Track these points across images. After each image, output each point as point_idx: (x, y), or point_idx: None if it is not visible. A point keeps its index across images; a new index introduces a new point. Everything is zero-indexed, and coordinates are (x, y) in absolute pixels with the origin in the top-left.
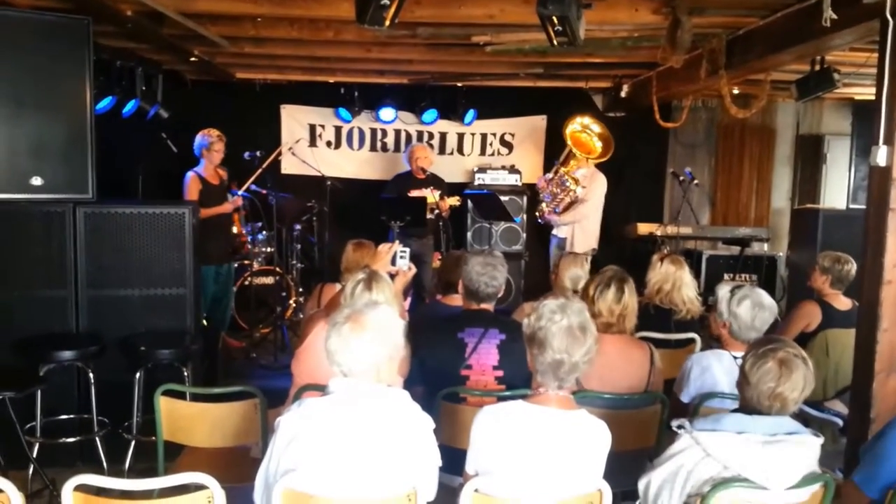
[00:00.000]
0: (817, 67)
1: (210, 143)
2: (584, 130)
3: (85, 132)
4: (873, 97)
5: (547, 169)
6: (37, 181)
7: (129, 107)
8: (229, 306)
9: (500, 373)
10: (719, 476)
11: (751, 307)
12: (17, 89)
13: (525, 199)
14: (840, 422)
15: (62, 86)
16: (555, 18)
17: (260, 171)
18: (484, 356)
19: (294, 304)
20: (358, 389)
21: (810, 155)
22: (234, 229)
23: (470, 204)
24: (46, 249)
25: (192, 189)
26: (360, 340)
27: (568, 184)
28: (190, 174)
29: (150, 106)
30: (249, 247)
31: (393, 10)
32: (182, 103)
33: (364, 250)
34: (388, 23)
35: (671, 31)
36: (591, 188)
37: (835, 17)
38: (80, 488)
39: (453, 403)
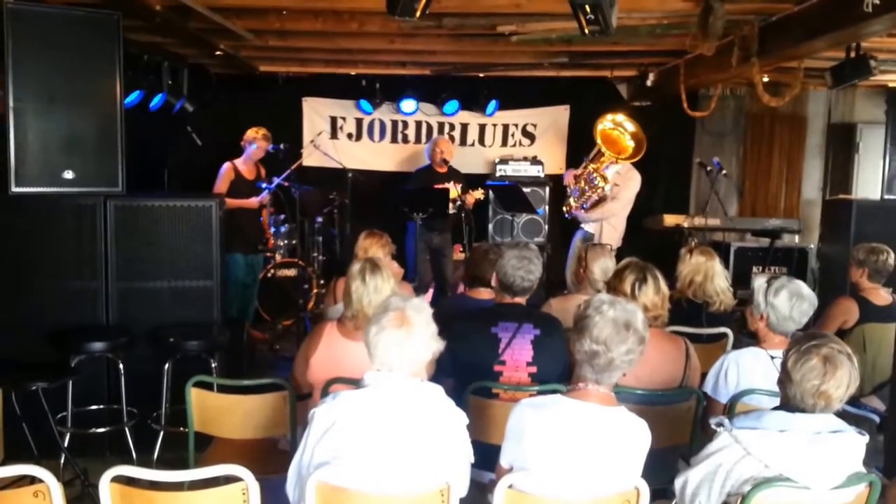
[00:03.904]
0: (853, 54)
1: (252, 140)
2: (617, 128)
3: (115, 126)
4: None
5: (570, 160)
6: (68, 175)
7: (156, 101)
8: (254, 298)
9: (533, 369)
10: (760, 475)
11: (788, 297)
12: (49, 84)
13: (547, 190)
14: (877, 418)
15: (92, 80)
16: (587, 6)
17: (290, 170)
18: (518, 352)
19: (315, 296)
20: (393, 383)
21: (842, 144)
22: (262, 225)
23: (492, 195)
24: (77, 242)
25: (223, 179)
26: (411, 345)
27: (596, 181)
28: (227, 164)
29: (177, 100)
30: (273, 241)
31: (424, 0)
32: (207, 97)
33: (374, 238)
34: (418, 14)
35: (703, 18)
36: (625, 187)
37: (877, 1)
38: (118, 479)
39: (484, 398)
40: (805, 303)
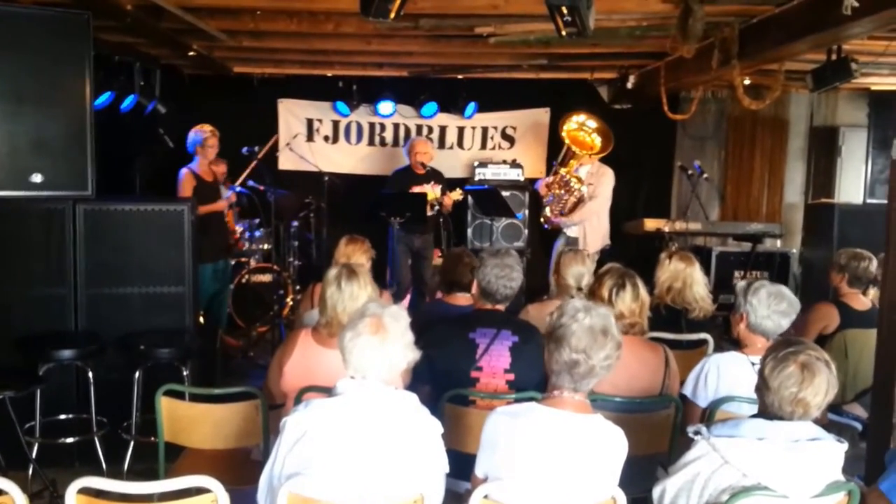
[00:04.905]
0: (834, 57)
1: (204, 139)
2: (581, 128)
3: (85, 128)
4: (891, 87)
5: (550, 164)
6: (37, 178)
7: (128, 102)
8: (225, 304)
9: (511, 376)
10: (738, 484)
11: (767, 296)
12: (18, 85)
13: (527, 194)
14: (859, 426)
15: (62, 82)
16: (564, 8)
17: (254, 163)
18: (495, 358)
19: (291, 302)
20: (367, 391)
21: (824, 147)
22: (229, 226)
23: (470, 199)
24: (46, 247)
25: (185, 186)
26: (386, 352)
27: (572, 183)
28: (184, 171)
29: (149, 101)
30: (244, 244)
31: (399, 1)
32: (180, 98)
33: (356, 244)
34: (393, 15)
35: (682, 20)
36: (600, 184)
37: (856, 4)
38: (84, 491)
39: (461, 406)
40: (784, 302)
